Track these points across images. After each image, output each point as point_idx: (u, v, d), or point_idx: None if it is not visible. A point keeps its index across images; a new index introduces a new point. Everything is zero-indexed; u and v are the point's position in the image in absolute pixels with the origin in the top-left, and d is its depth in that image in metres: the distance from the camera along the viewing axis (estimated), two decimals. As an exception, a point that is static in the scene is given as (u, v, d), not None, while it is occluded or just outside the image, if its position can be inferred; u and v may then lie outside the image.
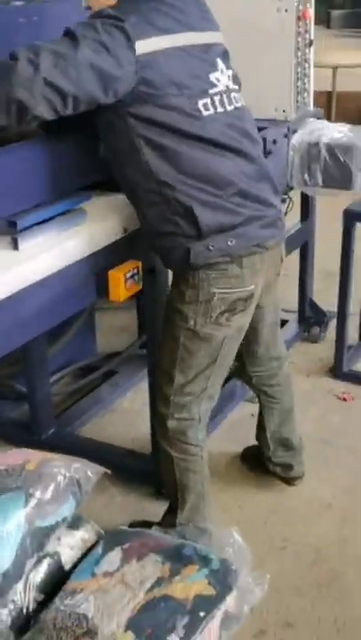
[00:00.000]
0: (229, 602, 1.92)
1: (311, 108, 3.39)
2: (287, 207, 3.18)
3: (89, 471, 2.15)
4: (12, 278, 1.88)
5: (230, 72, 2.19)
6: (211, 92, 2.09)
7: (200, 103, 2.06)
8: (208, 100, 2.08)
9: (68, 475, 2.09)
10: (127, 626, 1.81)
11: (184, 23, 2.08)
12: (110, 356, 3.41)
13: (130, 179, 2.11)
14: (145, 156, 2.04)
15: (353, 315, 3.59)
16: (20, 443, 2.35)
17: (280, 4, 3.04)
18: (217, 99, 2.10)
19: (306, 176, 3.10)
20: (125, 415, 3.17)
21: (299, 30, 3.09)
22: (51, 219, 2.09)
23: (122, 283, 2.15)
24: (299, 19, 3.08)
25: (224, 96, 2.13)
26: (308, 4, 3.12)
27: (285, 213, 2.84)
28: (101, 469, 2.16)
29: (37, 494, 1.99)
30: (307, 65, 3.23)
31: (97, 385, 3.33)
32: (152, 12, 2.02)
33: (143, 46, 1.96)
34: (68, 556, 2.10)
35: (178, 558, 2.08)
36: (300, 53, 3.15)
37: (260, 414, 2.76)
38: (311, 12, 3.15)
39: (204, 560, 2.08)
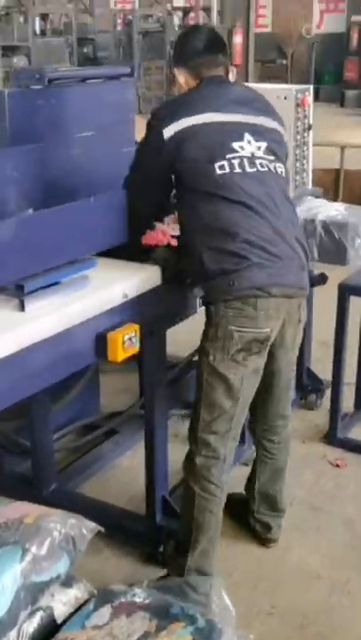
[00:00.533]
0: (213, 658, 2.01)
1: (310, 186, 3.60)
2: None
3: (84, 528, 2.26)
4: (17, 337, 2.05)
5: (262, 144, 2.53)
6: (229, 156, 2.45)
7: (216, 165, 2.43)
8: (225, 163, 2.44)
9: (63, 531, 2.20)
10: (113, 674, 1.90)
11: (211, 107, 2.51)
12: (113, 416, 3.54)
13: (180, 230, 2.58)
14: (179, 208, 2.53)
15: (349, 384, 3.72)
16: (22, 497, 2.39)
17: (280, 93, 3.27)
18: (235, 162, 2.45)
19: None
20: (125, 473, 3.28)
21: (298, 116, 3.31)
22: (56, 283, 2.27)
23: (119, 344, 2.29)
24: (298, 105, 3.31)
25: (245, 160, 2.47)
26: (306, 93, 3.35)
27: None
28: (96, 527, 2.27)
29: (33, 549, 2.09)
30: (305, 147, 3.44)
31: (99, 443, 3.45)
32: (187, 103, 2.53)
33: (170, 130, 2.45)
34: (60, 611, 2.20)
35: (165, 615, 2.18)
36: (298, 137, 3.36)
37: (253, 466, 2.89)
38: (310, 99, 3.39)
39: (190, 618, 2.18)
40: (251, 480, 2.91)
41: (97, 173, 3.09)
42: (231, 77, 2.71)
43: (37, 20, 14.15)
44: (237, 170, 2.44)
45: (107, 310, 2.34)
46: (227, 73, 2.67)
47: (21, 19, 13.57)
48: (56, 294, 2.26)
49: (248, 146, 2.50)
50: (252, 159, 2.48)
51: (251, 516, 2.91)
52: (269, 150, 2.55)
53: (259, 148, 2.52)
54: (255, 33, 18.56)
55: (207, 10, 17.67)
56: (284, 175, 2.60)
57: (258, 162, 2.49)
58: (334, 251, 3.29)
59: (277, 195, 2.51)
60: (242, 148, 2.48)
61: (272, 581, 2.75)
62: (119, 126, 3.25)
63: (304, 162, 3.46)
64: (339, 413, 3.54)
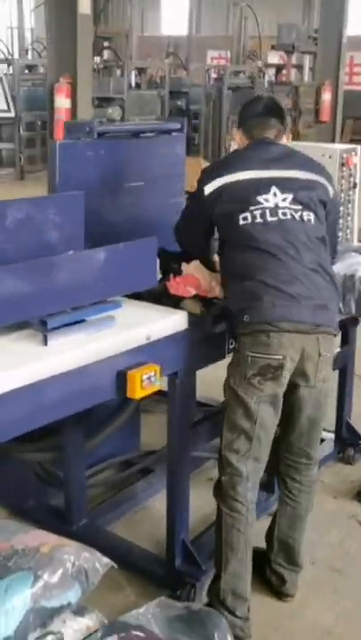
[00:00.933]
0: None
1: (355, 243, 3.65)
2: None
3: (97, 563, 2.35)
4: (37, 369, 2.21)
5: (288, 196, 2.73)
6: (252, 208, 2.70)
7: (240, 217, 2.69)
8: (248, 214, 2.69)
9: (77, 563, 2.29)
10: None
11: (247, 166, 2.78)
12: (149, 454, 3.62)
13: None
14: (220, 255, 2.85)
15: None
16: (53, 529, 2.43)
17: (325, 152, 3.36)
18: (257, 213, 2.69)
19: (341, 305, 3.31)
20: (155, 514, 3.35)
21: (342, 174, 3.40)
22: (82, 321, 2.42)
23: (138, 383, 2.42)
24: (342, 165, 3.39)
25: (267, 211, 2.69)
26: (353, 153, 3.44)
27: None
28: (109, 563, 2.35)
29: (45, 577, 2.19)
30: (350, 205, 3.51)
31: (134, 481, 3.55)
32: (228, 163, 2.88)
33: (209, 188, 2.76)
34: (70, 637, 2.29)
35: (169, 649, 2.25)
36: (343, 194, 3.44)
37: (275, 512, 2.95)
38: (356, 159, 3.46)
39: (192, 656, 2.24)
40: (271, 527, 2.96)
41: (143, 222, 3.26)
42: (285, 140, 2.95)
43: (133, 73, 14.70)
44: (258, 220, 2.68)
45: (129, 350, 2.47)
46: (279, 135, 2.91)
47: (118, 72, 14.14)
48: (81, 332, 2.41)
49: (273, 198, 2.72)
50: (274, 209, 2.71)
51: (267, 566, 2.94)
52: (296, 200, 2.74)
53: (284, 199, 2.73)
54: (348, 90, 18.75)
55: (299, 67, 18.00)
56: (313, 222, 2.74)
57: (280, 212, 2.71)
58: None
59: (300, 240, 2.69)
60: (266, 200, 2.72)
61: (283, 633, 2.76)
62: (168, 179, 3.42)
63: (348, 219, 3.53)
64: (374, 469, 3.53)
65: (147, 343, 2.54)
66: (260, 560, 2.96)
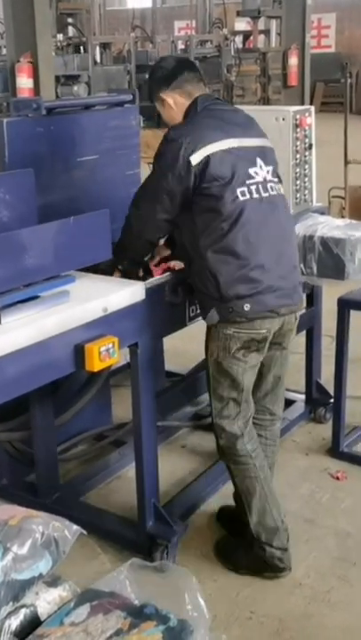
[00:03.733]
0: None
1: (314, 203, 3.67)
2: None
3: (66, 531, 2.38)
4: (-9, 347, 2.21)
5: (270, 168, 2.73)
6: (248, 182, 2.64)
7: (238, 191, 2.61)
8: (245, 189, 2.63)
9: (46, 532, 2.32)
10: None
11: (227, 133, 2.68)
12: (122, 426, 3.66)
13: (186, 249, 2.74)
14: (193, 233, 2.66)
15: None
16: (27, 504, 2.39)
17: (278, 114, 3.37)
18: (253, 188, 2.65)
19: (302, 266, 3.35)
20: (128, 484, 3.37)
21: (297, 136, 3.41)
22: (36, 297, 2.43)
23: (96, 355, 2.43)
24: (296, 126, 3.40)
25: (260, 186, 2.67)
26: (306, 114, 3.45)
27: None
28: (78, 530, 2.38)
29: (14, 548, 2.21)
30: (307, 166, 3.52)
31: (108, 453, 3.59)
32: (204, 129, 2.67)
33: (197, 157, 2.60)
34: (44, 609, 2.32)
35: (139, 615, 2.29)
36: (298, 155, 3.45)
37: None
38: (310, 119, 3.47)
39: (163, 618, 2.28)
40: None
41: (99, 196, 3.26)
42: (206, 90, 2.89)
43: (98, 49, 14.58)
44: (255, 196, 2.64)
45: (85, 323, 2.49)
46: (206, 86, 2.89)
47: (82, 49, 14.01)
48: (35, 308, 2.42)
49: (260, 171, 2.70)
50: (264, 184, 2.69)
51: (238, 523, 2.97)
52: (275, 173, 2.76)
53: (268, 172, 2.73)
54: (318, 53, 18.67)
55: (267, 33, 17.88)
56: (284, 196, 2.80)
57: (269, 186, 2.70)
58: (333, 266, 3.35)
59: (283, 216, 2.74)
60: (256, 173, 2.68)
61: (255, 588, 2.82)
62: (122, 150, 3.42)
63: (306, 180, 3.53)
64: (342, 425, 3.58)
65: (103, 315, 2.55)
66: (230, 518, 3.07)
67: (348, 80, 8.01)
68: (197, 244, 2.65)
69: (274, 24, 16.87)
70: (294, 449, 3.64)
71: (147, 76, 10.91)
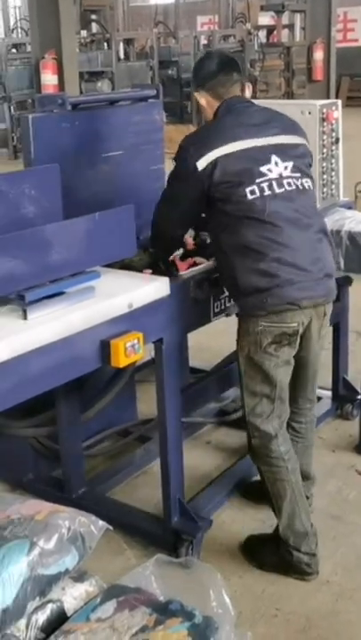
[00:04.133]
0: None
1: (341, 198, 3.64)
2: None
3: (92, 526, 2.38)
4: (18, 342, 2.22)
5: (289, 163, 2.72)
6: (258, 180, 2.65)
7: (247, 190, 2.63)
8: (255, 187, 2.64)
9: (72, 527, 2.33)
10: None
11: (237, 137, 2.70)
12: (146, 422, 3.66)
13: (214, 247, 2.83)
14: (214, 230, 2.76)
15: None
16: (53, 500, 2.49)
17: (304, 108, 3.34)
18: (265, 185, 2.65)
19: (329, 261, 3.31)
20: (153, 479, 3.36)
21: (323, 130, 3.38)
22: (61, 293, 2.43)
23: (122, 351, 2.43)
24: (323, 120, 3.37)
25: (273, 182, 2.66)
26: (333, 107, 3.42)
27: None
28: (105, 525, 2.39)
29: (41, 543, 2.22)
30: (333, 160, 3.49)
31: (133, 449, 3.59)
32: (214, 134, 2.72)
33: (203, 162, 2.65)
34: (70, 604, 2.33)
35: (164, 611, 2.29)
36: (325, 150, 3.42)
37: None
38: (337, 113, 3.44)
39: (188, 615, 2.28)
40: None
41: (124, 191, 3.26)
42: (247, 93, 2.90)
43: (121, 45, 14.58)
44: (267, 192, 2.64)
45: (111, 319, 2.48)
46: (243, 89, 2.88)
47: (106, 45, 14.03)
48: (60, 304, 2.41)
49: (275, 167, 2.70)
50: (280, 180, 2.68)
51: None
52: (296, 168, 2.75)
53: (286, 167, 2.72)
54: (344, 47, 18.52)
55: (291, 27, 17.80)
56: (311, 189, 2.79)
57: (285, 181, 2.69)
58: (359, 260, 3.32)
59: (307, 209, 2.72)
60: (270, 170, 2.68)
61: (280, 585, 2.80)
62: (146, 145, 3.41)
63: (333, 174, 3.50)
64: (369, 422, 3.55)
65: (129, 311, 2.54)
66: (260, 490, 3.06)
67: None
68: (218, 241, 2.74)
69: (298, 18, 16.81)
70: (321, 446, 3.60)
71: (170, 71, 11.07)
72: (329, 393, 3.93)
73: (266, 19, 18.71)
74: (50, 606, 2.28)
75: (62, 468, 3.25)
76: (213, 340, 4.29)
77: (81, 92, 11.36)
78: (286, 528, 2.81)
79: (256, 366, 2.72)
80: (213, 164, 2.64)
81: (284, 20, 16.93)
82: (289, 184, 2.70)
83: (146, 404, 3.80)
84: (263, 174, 2.66)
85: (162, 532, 2.97)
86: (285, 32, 17.40)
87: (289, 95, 15.43)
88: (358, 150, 7.10)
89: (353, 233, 3.32)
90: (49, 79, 7.97)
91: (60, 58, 7.94)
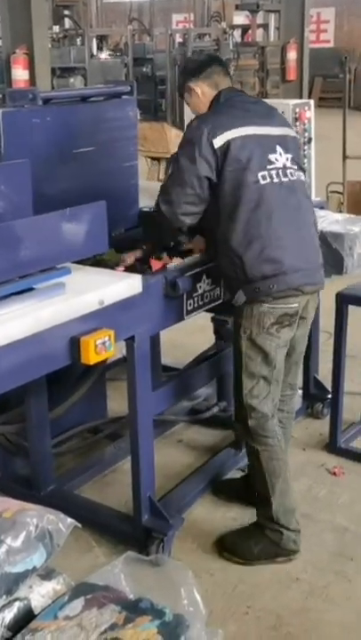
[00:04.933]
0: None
1: (313, 198, 3.65)
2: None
3: (60, 524, 2.36)
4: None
5: (289, 155, 2.83)
6: (268, 167, 2.75)
7: (259, 175, 2.73)
8: (266, 173, 2.74)
9: (40, 525, 2.31)
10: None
11: (248, 121, 2.79)
12: (118, 420, 3.65)
13: (214, 235, 2.84)
14: (217, 218, 2.76)
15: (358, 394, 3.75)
16: (22, 497, 2.40)
17: (277, 107, 3.33)
18: (273, 172, 2.76)
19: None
20: (124, 477, 3.36)
21: (296, 130, 3.38)
22: (31, 289, 2.40)
23: (92, 348, 2.41)
24: (296, 119, 3.38)
25: (280, 171, 2.78)
26: (306, 107, 3.43)
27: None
28: (73, 522, 2.36)
29: (8, 541, 2.19)
30: (306, 160, 3.50)
31: (104, 446, 3.57)
32: (225, 117, 2.80)
33: (219, 141, 2.71)
34: (38, 602, 2.31)
35: (134, 609, 2.27)
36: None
37: None
38: (309, 113, 3.45)
39: (158, 613, 2.27)
40: None
41: (97, 187, 3.23)
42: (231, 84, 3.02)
43: (95, 41, 14.52)
44: (275, 180, 2.75)
45: (81, 316, 2.46)
46: (232, 81, 3.02)
47: (79, 41, 13.96)
48: (30, 300, 2.39)
49: (280, 157, 2.80)
50: (284, 170, 2.79)
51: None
52: (294, 161, 2.86)
53: (287, 159, 2.83)
54: (317, 48, 18.62)
55: (265, 27, 17.83)
56: (305, 182, 2.90)
57: (288, 171, 2.81)
58: (332, 260, 3.33)
59: (303, 201, 2.83)
60: (276, 159, 2.79)
61: (252, 583, 2.80)
62: (120, 142, 3.39)
63: (305, 174, 3.51)
64: (339, 421, 3.57)
65: (100, 308, 2.52)
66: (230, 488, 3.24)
67: (347, 75, 7.96)
68: (222, 229, 2.76)
69: (273, 18, 16.84)
70: (292, 444, 3.57)
71: (144, 69, 10.99)
72: (300, 392, 3.94)
73: (241, 18, 18.75)
74: (17, 604, 2.25)
75: (31, 466, 3.22)
76: (186, 338, 4.29)
77: (53, 88, 11.32)
78: (279, 506, 2.88)
79: (257, 347, 2.78)
80: (228, 143, 2.70)
81: (259, 19, 16.96)
82: (291, 174, 2.80)
83: (117, 401, 3.77)
84: (272, 162, 2.76)
85: (132, 530, 2.96)
86: (260, 32, 17.43)
87: (263, 95, 15.45)
88: (330, 150, 7.11)
89: (325, 233, 3.34)
90: (20, 74, 7.92)
91: (32, 53, 7.89)
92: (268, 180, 2.72)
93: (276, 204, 2.73)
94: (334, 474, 3.44)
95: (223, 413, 3.77)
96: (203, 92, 2.92)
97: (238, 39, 16.50)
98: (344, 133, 7.14)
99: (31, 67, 7.88)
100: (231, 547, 2.97)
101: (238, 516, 3.15)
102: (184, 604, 2.33)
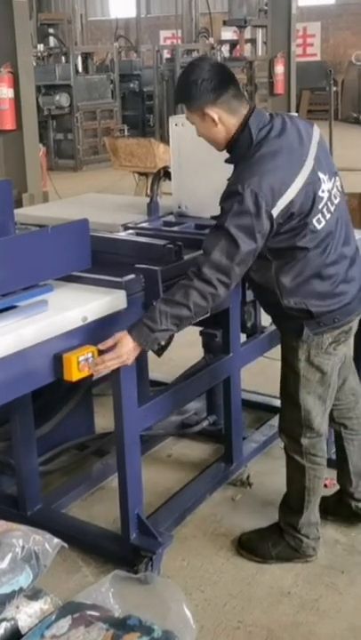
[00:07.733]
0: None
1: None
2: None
3: (47, 544, 2.36)
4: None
5: (326, 173, 2.62)
6: (320, 206, 2.58)
7: (314, 220, 2.57)
8: (320, 216, 2.59)
9: (26, 546, 2.30)
10: None
11: (296, 166, 2.52)
12: (105, 436, 3.62)
13: (264, 287, 2.72)
14: (272, 271, 2.64)
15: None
16: (8, 517, 2.45)
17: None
18: (325, 209, 2.60)
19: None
20: (111, 494, 3.31)
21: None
22: (13, 307, 2.41)
23: (74, 365, 2.41)
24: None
25: (328, 203, 2.62)
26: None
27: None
28: (60, 543, 2.36)
29: (-6, 563, 2.21)
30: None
31: (91, 463, 3.54)
32: (273, 175, 2.47)
33: (277, 210, 2.48)
34: (25, 622, 2.30)
35: (122, 627, 2.26)
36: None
37: (339, 454, 3.15)
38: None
39: (147, 629, 2.26)
40: (342, 469, 3.15)
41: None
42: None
43: (80, 59, 14.56)
44: (327, 216, 2.61)
45: (64, 333, 2.46)
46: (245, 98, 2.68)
47: (64, 58, 14.00)
48: (12, 318, 2.38)
49: (324, 185, 2.60)
50: (330, 198, 2.64)
51: (351, 500, 3.14)
52: (330, 173, 2.66)
53: (327, 179, 2.63)
54: (304, 62, 18.76)
55: (253, 42, 17.92)
56: (342, 191, 2.78)
57: (333, 194, 2.66)
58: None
59: (348, 218, 2.77)
60: (323, 191, 2.60)
61: (242, 598, 2.78)
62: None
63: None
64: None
65: (83, 325, 2.52)
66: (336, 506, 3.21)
67: (333, 88, 8.02)
68: (280, 282, 2.64)
69: (260, 33, 16.89)
70: (281, 456, 3.59)
71: (131, 85, 10.75)
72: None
73: (229, 33, 18.85)
74: (4, 625, 2.25)
75: (17, 485, 3.19)
76: (175, 352, 4.26)
77: (38, 106, 11.34)
78: (306, 519, 2.92)
79: (316, 367, 2.76)
80: (287, 209, 2.47)
81: (247, 34, 17.04)
82: (335, 196, 2.67)
83: (104, 418, 3.77)
84: (321, 198, 2.57)
85: (120, 549, 2.94)
86: (248, 46, 17.52)
87: (251, 109, 15.51)
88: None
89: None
90: (4, 93, 7.93)
91: (17, 71, 7.91)
92: (323, 222, 2.58)
93: (333, 241, 2.63)
94: (325, 486, 3.40)
95: (213, 427, 3.75)
96: (220, 118, 2.55)
97: (227, 54, 16.58)
98: (330, 145, 7.17)
99: (16, 85, 7.91)
100: (249, 546, 3.01)
101: (229, 533, 3.13)
102: (174, 620, 2.32)
